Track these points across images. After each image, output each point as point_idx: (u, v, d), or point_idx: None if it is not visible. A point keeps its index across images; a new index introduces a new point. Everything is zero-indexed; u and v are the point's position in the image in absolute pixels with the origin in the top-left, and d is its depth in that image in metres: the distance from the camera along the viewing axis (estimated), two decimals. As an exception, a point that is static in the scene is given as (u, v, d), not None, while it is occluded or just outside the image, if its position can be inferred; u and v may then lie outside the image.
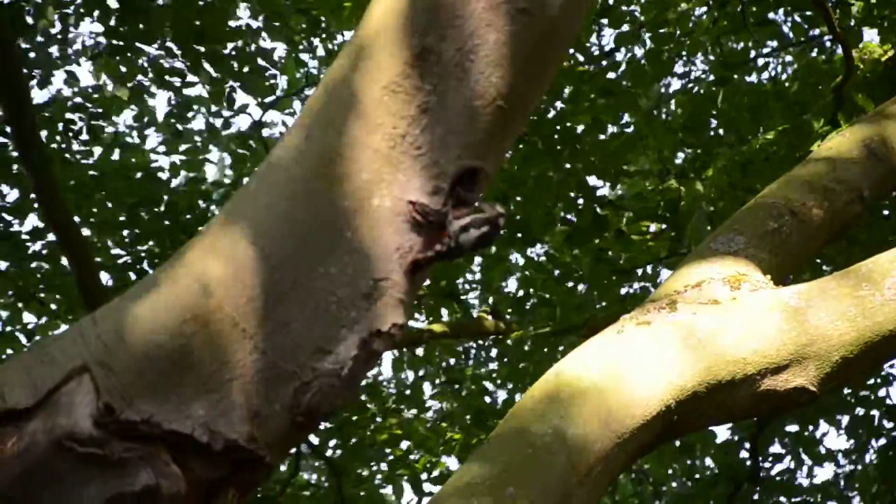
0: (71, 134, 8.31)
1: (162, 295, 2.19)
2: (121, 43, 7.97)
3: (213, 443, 2.14)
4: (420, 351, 10.59)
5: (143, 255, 8.16)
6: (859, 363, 3.37)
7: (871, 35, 9.25)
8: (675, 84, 9.70)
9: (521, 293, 10.01)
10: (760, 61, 9.59)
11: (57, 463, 2.10)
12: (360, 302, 2.19)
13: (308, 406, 2.18)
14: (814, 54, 9.37)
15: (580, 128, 8.54)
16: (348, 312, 2.19)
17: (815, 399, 3.38)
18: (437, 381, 10.90)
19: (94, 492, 2.10)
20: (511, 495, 3.05)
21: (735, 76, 8.89)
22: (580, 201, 8.74)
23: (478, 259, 9.87)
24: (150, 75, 8.33)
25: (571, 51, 8.23)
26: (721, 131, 8.98)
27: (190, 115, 8.92)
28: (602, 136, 8.58)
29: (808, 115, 8.31)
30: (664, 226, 9.20)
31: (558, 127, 8.39)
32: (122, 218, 8.14)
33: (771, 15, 8.85)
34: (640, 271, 9.44)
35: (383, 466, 9.89)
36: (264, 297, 2.18)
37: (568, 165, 8.47)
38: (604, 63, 9.03)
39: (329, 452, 9.68)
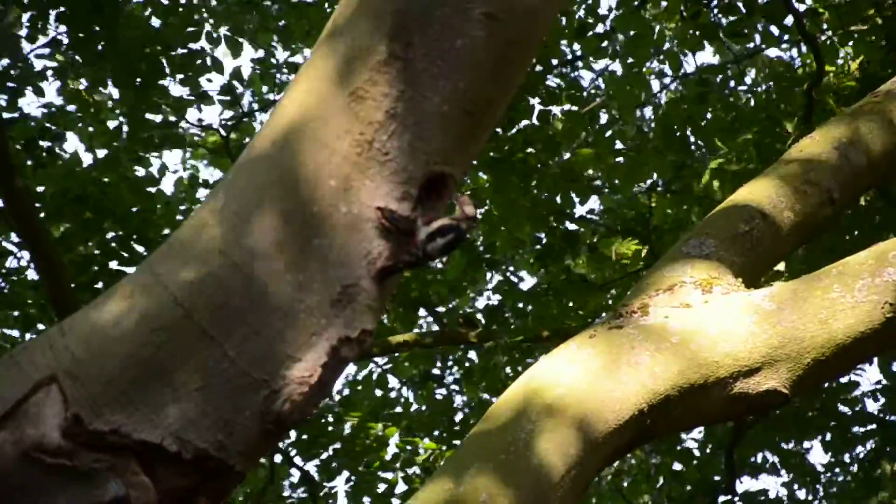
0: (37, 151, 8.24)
1: (130, 304, 2.18)
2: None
3: (182, 452, 2.13)
4: (393, 361, 10.59)
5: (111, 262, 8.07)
6: (831, 365, 3.37)
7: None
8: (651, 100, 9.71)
9: (494, 302, 10.02)
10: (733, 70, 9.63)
11: (25, 474, 2.08)
12: (329, 309, 2.18)
13: (278, 414, 2.16)
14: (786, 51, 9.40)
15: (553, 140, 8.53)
16: (318, 319, 2.18)
17: (787, 401, 3.38)
18: (411, 390, 10.88)
19: (62, 503, 2.09)
20: (485, 502, 3.05)
21: (708, 88, 8.89)
22: (551, 218, 8.73)
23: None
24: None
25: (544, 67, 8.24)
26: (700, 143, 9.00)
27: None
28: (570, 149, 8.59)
29: (782, 123, 8.34)
30: (633, 239, 9.20)
31: (529, 151, 8.38)
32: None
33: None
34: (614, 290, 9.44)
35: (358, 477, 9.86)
36: (234, 306, 2.16)
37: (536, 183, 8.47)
38: (577, 70, 9.06)
39: (303, 462, 9.65)
